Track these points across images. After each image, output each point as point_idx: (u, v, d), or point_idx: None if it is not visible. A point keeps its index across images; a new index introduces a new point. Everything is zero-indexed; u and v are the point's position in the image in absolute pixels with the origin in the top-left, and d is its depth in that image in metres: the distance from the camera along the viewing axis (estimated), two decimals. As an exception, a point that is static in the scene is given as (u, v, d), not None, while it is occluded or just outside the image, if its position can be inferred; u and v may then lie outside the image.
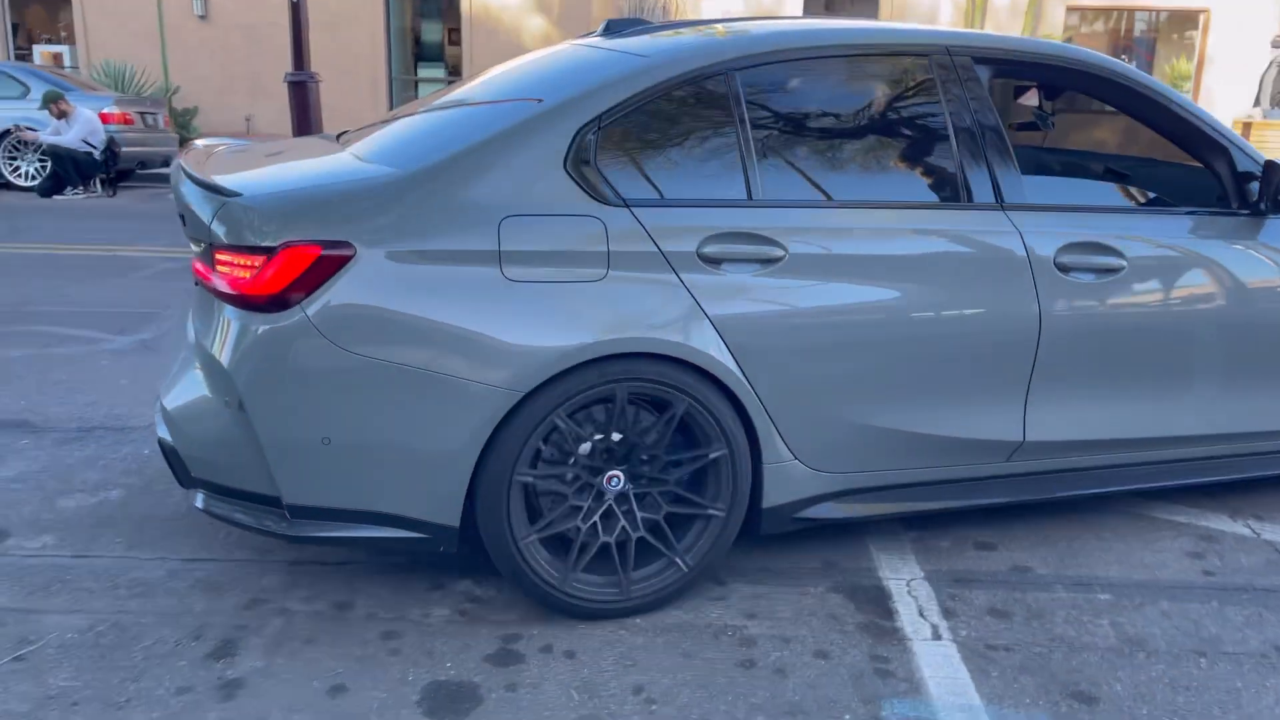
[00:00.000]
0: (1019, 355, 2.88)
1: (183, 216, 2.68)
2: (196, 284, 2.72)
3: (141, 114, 12.72)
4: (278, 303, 2.37)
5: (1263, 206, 3.07)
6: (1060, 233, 2.92)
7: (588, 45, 3.03)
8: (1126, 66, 3.11)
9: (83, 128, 11.47)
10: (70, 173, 11.47)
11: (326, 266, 2.37)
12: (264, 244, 2.37)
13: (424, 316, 2.41)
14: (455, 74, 18.12)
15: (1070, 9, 17.60)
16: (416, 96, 18.41)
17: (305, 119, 11.42)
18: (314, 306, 2.37)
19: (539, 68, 2.98)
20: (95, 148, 11.55)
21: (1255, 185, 3.08)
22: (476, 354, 2.43)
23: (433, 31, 18.77)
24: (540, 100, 2.65)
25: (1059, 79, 3.29)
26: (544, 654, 2.51)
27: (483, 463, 2.50)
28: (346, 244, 2.38)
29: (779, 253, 2.64)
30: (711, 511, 2.70)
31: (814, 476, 2.80)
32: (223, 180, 2.53)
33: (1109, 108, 3.26)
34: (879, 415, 2.81)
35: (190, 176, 2.62)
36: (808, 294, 2.67)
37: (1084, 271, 2.92)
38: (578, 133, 2.57)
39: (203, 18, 17.76)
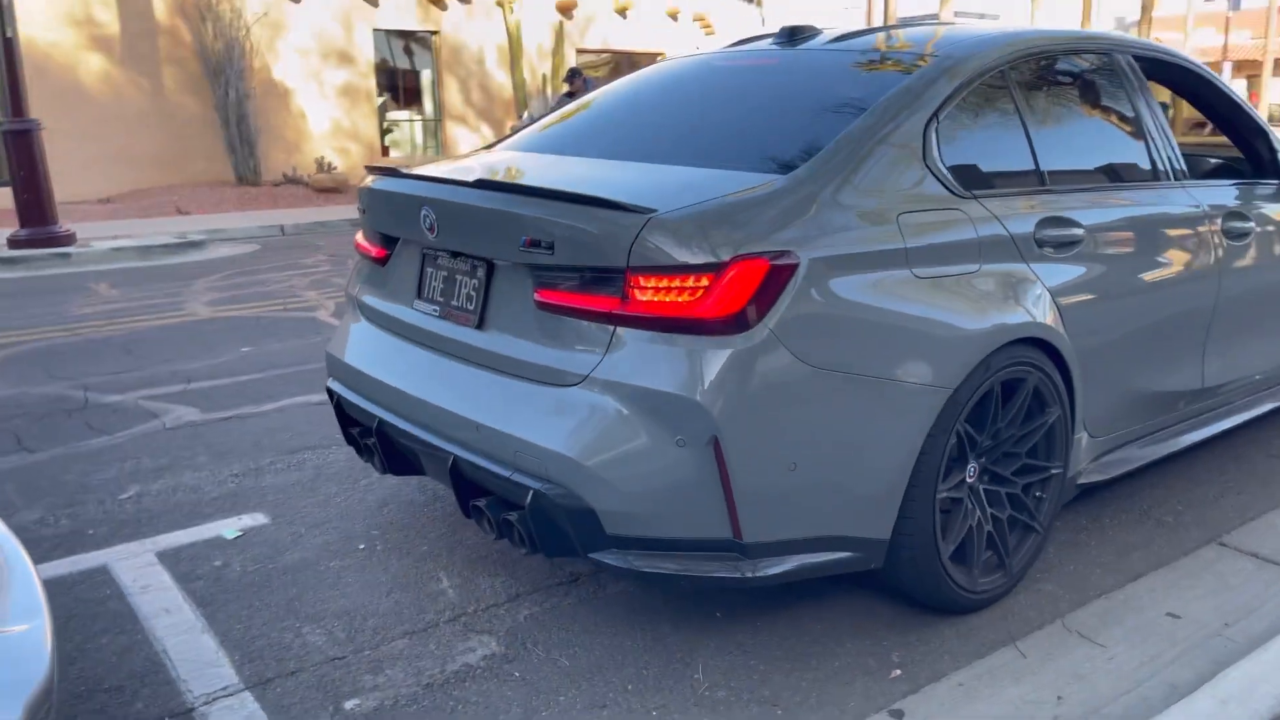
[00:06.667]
0: (1206, 310, 3.30)
1: (453, 252, 2.56)
2: (545, 311, 2.38)
3: None
4: (735, 323, 2.18)
5: None
6: (1218, 202, 3.35)
7: (818, 49, 3.09)
8: (1201, 65, 3.67)
9: None
10: None
11: (777, 279, 2.20)
12: (713, 261, 2.17)
13: (864, 323, 2.33)
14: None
15: (580, 50, 20.37)
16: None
17: (34, 178, 9.76)
18: (775, 322, 2.20)
19: (792, 70, 3.00)
20: None
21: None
22: (913, 355, 2.38)
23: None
24: (853, 101, 2.65)
25: (1159, 70, 3.59)
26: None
27: (917, 468, 2.44)
28: (790, 254, 2.23)
29: (1080, 234, 2.82)
30: (1053, 470, 2.80)
31: (1090, 443, 3.00)
32: (612, 196, 2.27)
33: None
34: (1139, 377, 3.09)
35: (554, 194, 2.35)
36: (1104, 270, 2.90)
37: (1234, 237, 3.39)
38: (925, 128, 2.60)
39: None
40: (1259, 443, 4.02)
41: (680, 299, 2.20)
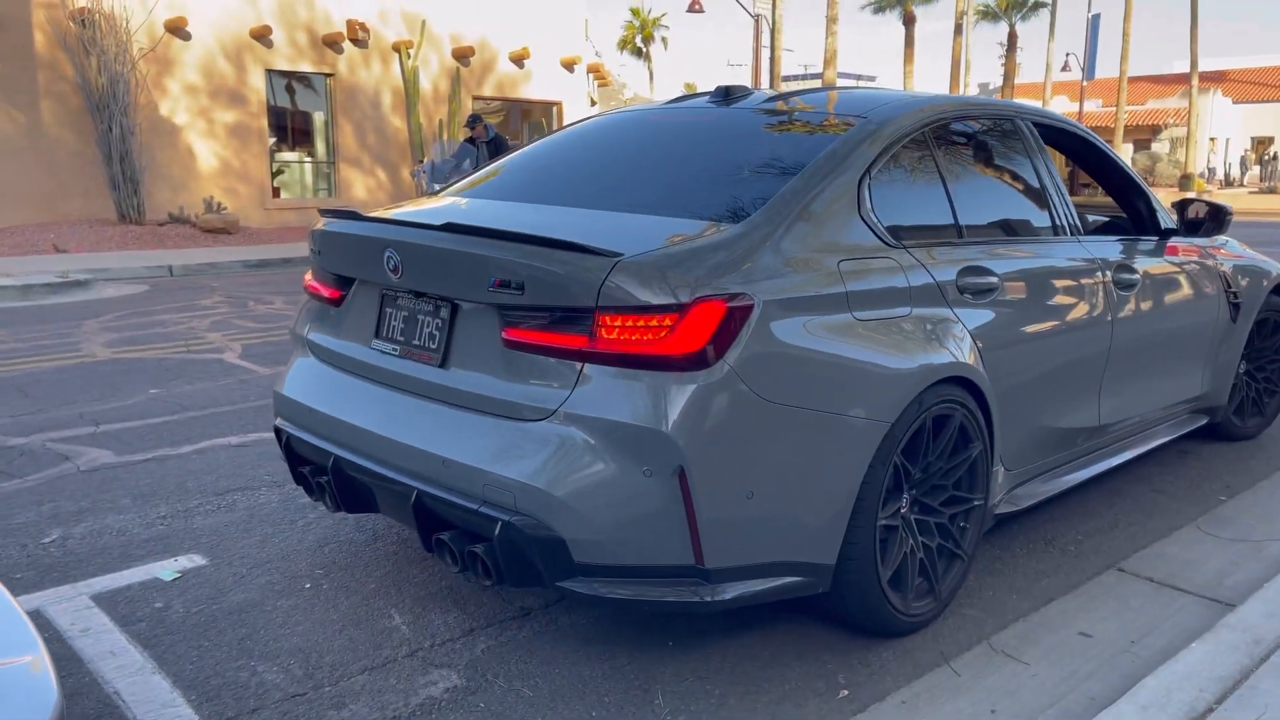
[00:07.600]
0: (1102, 354, 3.61)
1: (415, 291, 2.62)
2: (512, 349, 2.47)
3: None
4: (697, 360, 2.30)
5: (1180, 229, 4.20)
6: (1109, 256, 3.69)
7: (761, 109, 3.26)
8: (1091, 133, 4.05)
9: None
10: None
11: (735, 319, 2.35)
12: (675, 302, 2.30)
13: (812, 361, 2.49)
14: None
15: (476, 97, 20.81)
16: None
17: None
18: (734, 359, 2.34)
19: (733, 126, 3.18)
20: None
21: (1161, 216, 4.18)
22: (856, 391, 2.55)
23: None
24: (786, 158, 2.85)
25: (1054, 136, 3.90)
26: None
27: (860, 497, 2.60)
28: (745, 296, 2.38)
29: (995, 281, 3.05)
30: (975, 501, 3.01)
31: (1006, 476, 3.24)
32: (580, 240, 2.38)
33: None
34: (1047, 415, 3.36)
35: (523, 238, 2.43)
36: (1015, 314, 3.14)
37: (1123, 288, 3.72)
38: (859, 183, 2.79)
39: None
40: (1142, 478, 4.34)
41: (645, 337, 2.33)
